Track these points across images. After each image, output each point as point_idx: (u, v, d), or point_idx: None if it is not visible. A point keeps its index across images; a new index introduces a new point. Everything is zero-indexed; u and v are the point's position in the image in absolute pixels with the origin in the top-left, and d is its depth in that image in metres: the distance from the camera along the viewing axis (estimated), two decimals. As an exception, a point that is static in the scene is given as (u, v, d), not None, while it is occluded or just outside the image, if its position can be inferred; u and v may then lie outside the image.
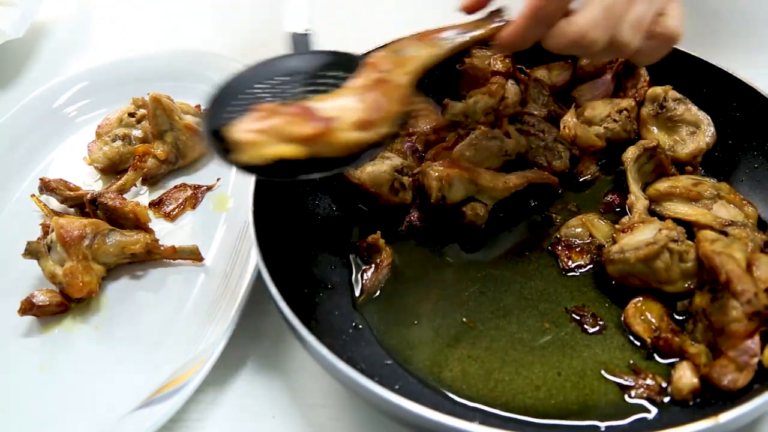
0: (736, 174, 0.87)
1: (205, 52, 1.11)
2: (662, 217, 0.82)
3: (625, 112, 0.92)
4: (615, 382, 0.69)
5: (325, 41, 0.82)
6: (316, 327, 0.69)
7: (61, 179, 0.93)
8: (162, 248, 0.85)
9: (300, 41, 0.81)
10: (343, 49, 0.78)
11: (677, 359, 0.70)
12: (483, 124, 0.93)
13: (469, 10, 0.79)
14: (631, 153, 0.86)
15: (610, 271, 0.76)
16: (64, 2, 1.38)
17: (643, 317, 0.73)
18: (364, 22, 1.27)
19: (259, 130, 0.63)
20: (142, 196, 0.96)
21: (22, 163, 1.01)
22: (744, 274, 0.67)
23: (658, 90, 0.92)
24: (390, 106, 0.70)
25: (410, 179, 0.86)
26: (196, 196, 0.95)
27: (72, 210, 0.93)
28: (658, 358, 0.71)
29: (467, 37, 0.78)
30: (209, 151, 0.89)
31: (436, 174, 0.83)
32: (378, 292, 0.79)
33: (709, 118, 0.89)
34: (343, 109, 0.67)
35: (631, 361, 0.71)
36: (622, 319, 0.74)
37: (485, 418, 0.67)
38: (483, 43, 0.81)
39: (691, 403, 0.67)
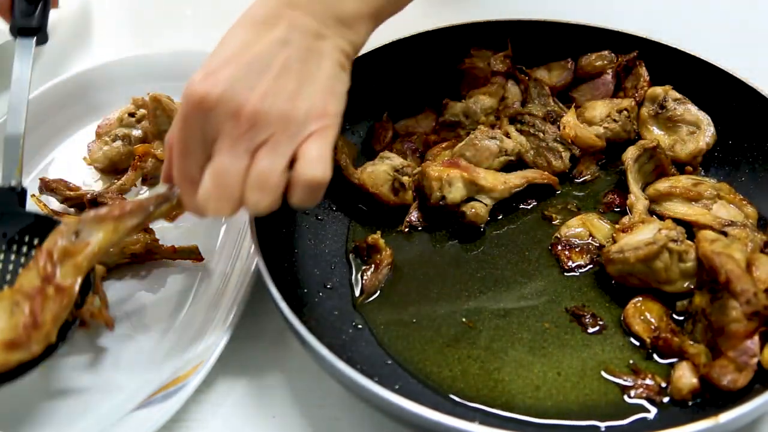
0: (736, 174, 0.87)
1: (205, 52, 1.10)
2: (662, 217, 0.82)
3: (625, 112, 0.92)
4: (615, 382, 0.69)
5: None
6: (316, 327, 0.69)
7: (61, 179, 0.93)
8: (162, 248, 0.85)
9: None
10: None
11: (677, 359, 0.70)
12: (483, 124, 0.93)
13: None
14: (631, 153, 0.86)
15: (609, 271, 0.76)
16: (64, 2, 1.38)
17: (642, 317, 0.73)
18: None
19: None
20: (142, 196, 0.96)
21: (22, 162, 1.00)
22: (743, 274, 0.67)
23: (658, 90, 0.92)
24: (48, 318, 0.65)
25: (410, 179, 0.87)
26: (196, 196, 0.95)
27: (72, 210, 0.92)
28: (657, 358, 0.71)
29: (148, 215, 0.72)
30: None
31: (436, 174, 0.83)
32: (378, 292, 0.79)
33: (709, 118, 0.89)
34: None
35: (631, 361, 0.71)
36: (622, 319, 0.74)
37: (485, 418, 0.67)
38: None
39: (690, 403, 0.67)
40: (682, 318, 0.73)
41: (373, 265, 0.81)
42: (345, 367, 0.62)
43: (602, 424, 0.66)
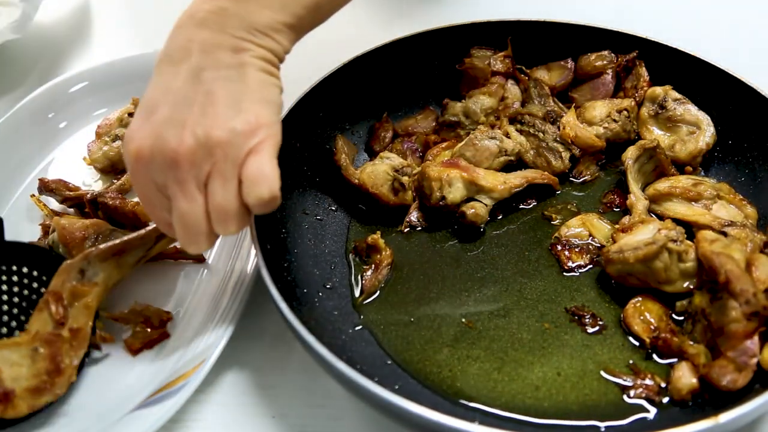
0: (736, 174, 0.87)
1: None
2: (662, 218, 0.82)
3: (625, 112, 0.92)
4: (614, 382, 0.69)
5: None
6: (316, 327, 0.69)
7: (60, 179, 0.93)
8: (163, 248, 0.85)
9: None
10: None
11: (676, 359, 0.70)
12: (483, 124, 0.93)
13: None
14: (631, 153, 0.86)
15: (609, 271, 0.76)
16: (64, 2, 1.38)
17: (642, 317, 0.73)
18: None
19: None
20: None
21: (22, 163, 1.01)
22: (743, 274, 0.67)
23: (658, 90, 0.92)
24: (68, 362, 0.68)
25: (410, 179, 0.87)
26: (196, 196, 0.95)
27: (72, 210, 0.92)
28: (657, 359, 0.71)
29: (150, 249, 0.77)
30: None
31: (436, 174, 0.83)
32: (378, 292, 0.79)
33: (709, 118, 0.89)
34: (17, 372, 0.66)
35: (631, 361, 0.71)
36: (622, 319, 0.74)
37: (485, 418, 0.67)
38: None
39: (690, 404, 0.67)
40: (681, 318, 0.73)
41: (373, 265, 0.81)
42: (345, 367, 0.62)
43: (602, 424, 0.66)
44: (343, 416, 0.72)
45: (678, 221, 0.79)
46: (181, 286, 0.84)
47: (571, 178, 0.91)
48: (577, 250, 0.82)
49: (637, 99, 0.93)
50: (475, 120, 0.94)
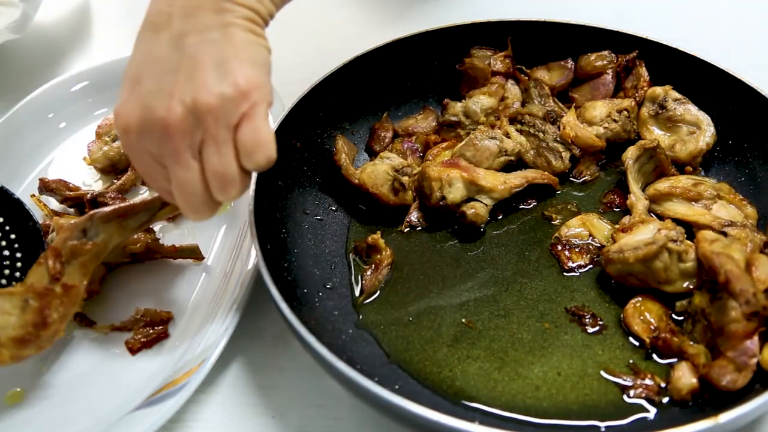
0: (736, 174, 0.87)
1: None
2: (662, 218, 0.82)
3: (625, 112, 0.92)
4: (615, 382, 0.69)
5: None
6: (316, 327, 0.69)
7: (60, 179, 0.93)
8: (163, 247, 0.85)
9: None
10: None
11: (676, 359, 0.70)
12: (483, 124, 0.93)
13: None
14: (631, 153, 0.86)
15: (609, 271, 0.76)
16: (64, 2, 1.38)
17: (642, 317, 0.73)
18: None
19: None
20: (142, 196, 0.96)
21: (22, 163, 1.01)
22: (743, 274, 0.67)
23: (658, 90, 0.92)
24: (56, 317, 0.68)
25: (410, 179, 0.87)
26: (196, 196, 0.95)
27: (72, 210, 0.93)
28: (657, 358, 0.71)
29: (153, 214, 0.77)
30: None
31: (436, 174, 0.83)
32: (378, 292, 0.79)
33: (709, 118, 0.89)
34: (5, 321, 0.66)
35: (631, 361, 0.71)
36: (622, 319, 0.74)
37: (485, 418, 0.67)
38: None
39: (690, 404, 0.67)
40: (681, 318, 0.73)
41: (373, 265, 0.81)
42: (345, 367, 0.62)
43: (602, 424, 0.66)
44: (343, 416, 0.72)
45: (678, 221, 0.79)
46: (181, 286, 0.84)
47: (571, 178, 0.91)
48: (577, 250, 0.82)
49: (637, 99, 0.93)
50: (475, 120, 0.94)
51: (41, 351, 0.69)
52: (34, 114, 1.04)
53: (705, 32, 1.14)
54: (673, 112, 0.90)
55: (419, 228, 0.86)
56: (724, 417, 0.58)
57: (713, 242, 0.71)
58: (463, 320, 0.76)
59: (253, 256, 0.80)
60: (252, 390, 0.75)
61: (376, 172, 0.86)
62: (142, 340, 0.77)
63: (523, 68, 0.99)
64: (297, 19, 1.05)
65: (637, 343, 0.72)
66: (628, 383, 0.69)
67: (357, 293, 0.79)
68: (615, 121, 0.91)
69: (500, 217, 0.87)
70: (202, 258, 0.86)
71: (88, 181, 0.99)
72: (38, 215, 0.93)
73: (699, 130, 0.89)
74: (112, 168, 0.98)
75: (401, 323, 0.76)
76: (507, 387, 0.70)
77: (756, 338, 0.65)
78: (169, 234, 0.90)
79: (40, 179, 0.92)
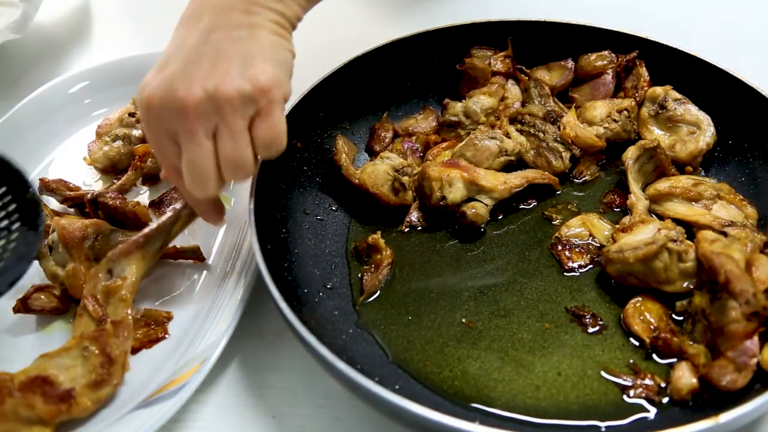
0: (736, 174, 0.87)
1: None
2: (662, 218, 0.82)
3: (625, 112, 0.92)
4: (615, 382, 0.69)
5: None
6: (316, 327, 0.69)
7: (60, 179, 0.93)
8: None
9: None
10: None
11: (676, 359, 0.70)
12: (483, 124, 0.93)
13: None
14: (631, 153, 0.86)
15: (609, 271, 0.76)
16: (64, 2, 1.38)
17: (642, 317, 0.73)
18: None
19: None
20: (142, 196, 0.96)
21: (22, 163, 1.00)
22: (743, 274, 0.67)
23: (658, 90, 0.92)
24: (118, 352, 0.72)
25: (410, 179, 0.87)
26: (196, 196, 0.95)
27: (72, 210, 0.92)
28: (657, 358, 0.71)
29: (168, 235, 0.81)
30: None
31: (436, 174, 0.83)
32: (378, 292, 0.79)
33: (709, 118, 0.89)
34: (73, 374, 0.69)
35: (631, 361, 0.71)
36: (621, 319, 0.74)
37: (485, 418, 0.67)
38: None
39: (690, 404, 0.67)
40: (681, 318, 0.73)
41: (373, 265, 0.81)
42: (345, 367, 0.62)
43: (602, 424, 0.66)
44: (343, 416, 0.72)
45: (678, 221, 0.79)
46: (181, 286, 0.84)
47: (572, 178, 0.91)
48: (577, 250, 0.82)
49: (637, 99, 0.93)
50: (475, 120, 0.94)
51: (119, 386, 0.72)
52: (34, 114, 1.04)
53: (705, 32, 1.14)
54: (673, 112, 0.90)
55: (419, 228, 0.86)
56: (725, 417, 0.58)
57: (713, 242, 0.71)
58: (463, 320, 0.76)
59: (253, 256, 0.80)
60: (252, 390, 0.75)
61: (377, 172, 0.86)
62: (142, 340, 0.77)
63: (523, 68, 0.99)
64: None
65: (637, 343, 0.72)
66: (628, 383, 0.69)
67: (357, 293, 0.79)
68: (615, 121, 0.91)
69: (500, 217, 0.87)
70: (203, 259, 0.86)
71: (88, 181, 0.99)
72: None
73: (699, 130, 0.89)
74: (112, 168, 0.98)
75: (401, 323, 0.76)
76: (507, 387, 0.70)
77: (756, 338, 0.65)
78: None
79: (40, 179, 0.92)
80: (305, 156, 0.88)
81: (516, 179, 0.86)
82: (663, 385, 0.68)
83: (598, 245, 0.81)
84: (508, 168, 0.89)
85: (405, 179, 0.86)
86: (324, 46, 0.99)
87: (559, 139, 0.90)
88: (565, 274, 0.80)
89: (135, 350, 0.77)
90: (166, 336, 0.79)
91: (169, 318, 0.80)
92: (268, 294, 0.69)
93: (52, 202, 0.93)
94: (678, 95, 0.91)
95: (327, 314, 0.76)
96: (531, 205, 0.88)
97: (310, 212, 0.86)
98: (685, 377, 0.67)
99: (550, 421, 0.67)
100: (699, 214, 0.81)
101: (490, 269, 0.81)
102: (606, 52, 0.96)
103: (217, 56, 0.66)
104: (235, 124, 0.66)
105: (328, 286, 0.79)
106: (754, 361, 0.65)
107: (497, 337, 0.74)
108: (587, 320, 0.75)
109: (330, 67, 0.91)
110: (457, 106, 0.95)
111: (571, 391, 0.69)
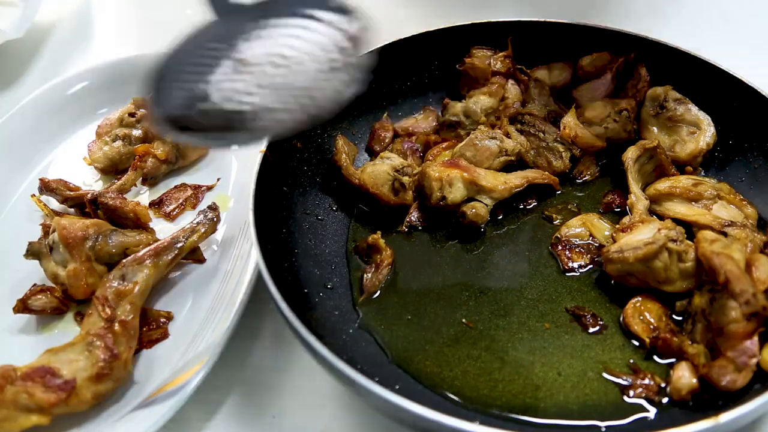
0: (736, 174, 0.87)
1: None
2: (662, 218, 0.82)
3: (625, 112, 0.92)
4: (615, 382, 0.69)
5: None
6: (316, 327, 0.69)
7: (61, 179, 0.93)
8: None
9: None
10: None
11: (676, 359, 0.70)
12: (483, 124, 0.93)
13: None
14: (631, 153, 0.86)
15: (609, 271, 0.76)
16: (64, 2, 1.38)
17: (642, 317, 0.73)
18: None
19: None
20: (142, 196, 0.96)
21: (22, 163, 1.01)
22: (743, 274, 0.67)
23: (658, 90, 0.92)
24: (123, 349, 0.73)
25: (410, 179, 0.87)
26: (196, 196, 0.95)
27: (72, 210, 0.93)
28: (657, 358, 0.71)
29: (182, 248, 0.82)
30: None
31: (436, 174, 0.83)
32: (378, 292, 0.79)
33: (709, 118, 0.89)
34: (76, 366, 0.70)
35: (631, 361, 0.71)
36: (621, 319, 0.74)
37: (485, 418, 0.67)
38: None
39: (690, 404, 0.67)
40: (681, 318, 0.73)
41: (373, 265, 0.81)
42: (345, 367, 0.62)
43: (602, 424, 0.66)
44: (343, 416, 0.72)
45: (678, 221, 0.79)
46: (181, 286, 0.84)
47: (572, 178, 0.91)
48: (577, 250, 0.82)
49: (637, 99, 0.93)
50: (475, 120, 0.94)
51: (119, 384, 0.72)
52: (34, 114, 1.04)
53: (705, 32, 1.14)
54: (673, 112, 0.90)
55: (419, 228, 0.86)
56: (725, 417, 0.58)
57: (713, 242, 0.71)
58: (463, 320, 0.76)
59: (253, 256, 0.80)
60: (252, 390, 0.75)
61: (377, 172, 0.86)
62: (142, 340, 0.77)
63: (523, 68, 0.99)
64: (297, 19, 1.05)
65: (637, 343, 0.72)
66: (628, 383, 0.69)
67: (357, 293, 0.79)
68: (615, 121, 0.91)
69: (500, 217, 0.87)
70: (204, 260, 0.86)
71: (88, 181, 0.99)
72: (39, 215, 0.93)
73: (699, 130, 0.89)
74: (112, 168, 0.98)
75: (401, 323, 0.76)
76: (507, 387, 0.70)
77: (756, 338, 0.65)
78: (168, 235, 0.90)
79: (40, 179, 0.92)
80: (305, 156, 0.88)
81: (516, 179, 0.86)
82: (663, 385, 0.68)
83: (598, 245, 0.81)
84: (508, 168, 0.89)
85: (405, 179, 0.86)
86: (324, 46, 0.99)
87: (559, 139, 0.90)
88: (565, 274, 0.80)
89: (135, 350, 0.77)
90: (166, 336, 0.79)
91: (169, 318, 0.80)
92: (268, 294, 0.68)
93: (52, 202, 0.93)
94: (678, 95, 0.91)
95: (327, 314, 0.76)
96: (531, 205, 0.88)
97: (310, 212, 0.86)
98: (685, 377, 0.67)
99: (550, 421, 0.67)
100: (699, 214, 0.81)
101: (490, 269, 0.81)
102: (606, 52, 0.96)
103: None
104: None
105: (328, 286, 0.79)
106: (754, 361, 0.65)
107: (497, 337, 0.74)
108: (587, 320, 0.75)
109: (330, 67, 0.91)
110: (457, 106, 0.95)
111: (571, 391, 0.69)
